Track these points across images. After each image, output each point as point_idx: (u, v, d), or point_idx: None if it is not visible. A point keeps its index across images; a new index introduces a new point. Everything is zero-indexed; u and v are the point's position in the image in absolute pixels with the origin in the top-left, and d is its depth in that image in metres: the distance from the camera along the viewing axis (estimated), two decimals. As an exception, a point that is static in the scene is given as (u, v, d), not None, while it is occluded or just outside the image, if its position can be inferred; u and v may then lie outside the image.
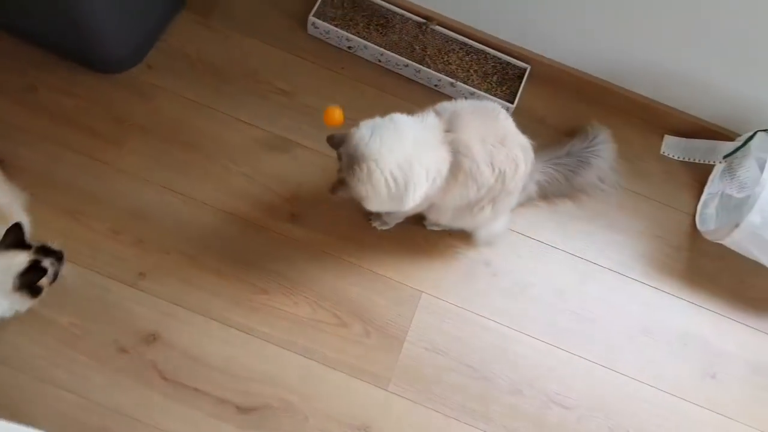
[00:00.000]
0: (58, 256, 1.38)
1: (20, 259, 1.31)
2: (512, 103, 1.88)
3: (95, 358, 1.53)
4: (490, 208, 1.57)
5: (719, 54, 1.70)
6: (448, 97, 1.90)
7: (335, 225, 1.74)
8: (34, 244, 1.38)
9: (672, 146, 1.96)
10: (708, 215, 1.87)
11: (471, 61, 1.94)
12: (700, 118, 1.93)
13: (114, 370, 1.52)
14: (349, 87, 1.91)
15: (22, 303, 1.36)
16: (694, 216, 1.89)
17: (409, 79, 1.94)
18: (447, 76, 1.90)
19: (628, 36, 1.76)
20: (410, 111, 1.64)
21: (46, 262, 1.35)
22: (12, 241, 1.33)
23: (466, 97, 1.90)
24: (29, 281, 1.33)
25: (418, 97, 1.91)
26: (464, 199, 1.51)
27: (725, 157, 1.85)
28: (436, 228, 1.74)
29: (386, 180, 1.40)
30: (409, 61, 1.89)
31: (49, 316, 1.55)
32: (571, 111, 1.97)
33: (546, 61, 1.94)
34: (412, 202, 1.45)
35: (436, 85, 1.93)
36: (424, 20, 1.95)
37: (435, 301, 1.70)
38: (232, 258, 1.67)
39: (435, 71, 1.90)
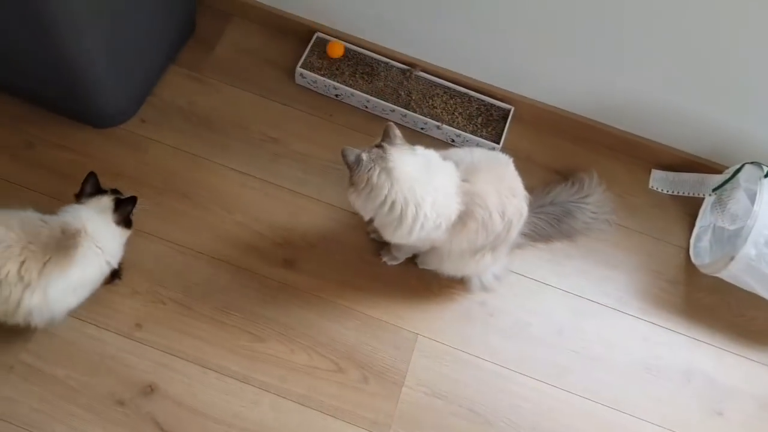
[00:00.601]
0: (132, 199, 1.55)
1: (106, 200, 1.52)
2: (498, 143, 1.91)
3: (93, 411, 1.50)
4: (491, 254, 1.60)
5: (702, 88, 1.74)
6: (435, 140, 1.95)
7: (329, 269, 1.74)
8: (107, 188, 1.57)
9: (660, 180, 1.98)
10: (702, 248, 1.88)
11: (455, 104, 1.98)
12: (686, 152, 1.96)
13: (112, 424, 1.50)
14: (338, 133, 1.94)
15: (123, 235, 1.54)
16: (687, 249, 1.89)
17: (396, 123, 1.97)
18: (433, 119, 1.93)
19: (609, 75, 1.81)
20: None
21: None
22: (91, 189, 1.53)
23: (452, 140, 1.94)
24: (125, 213, 1.53)
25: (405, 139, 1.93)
26: (471, 244, 1.54)
27: (714, 190, 1.87)
28: (428, 267, 1.74)
29: (395, 201, 1.42)
30: (395, 106, 1.93)
31: (45, 369, 1.53)
32: (556, 149, 2.00)
33: (529, 102, 1.97)
34: (413, 237, 1.47)
35: (422, 128, 1.96)
36: (408, 67, 1.99)
37: (431, 343, 1.69)
38: (228, 306, 1.66)
39: (421, 115, 1.93)
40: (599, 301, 1.80)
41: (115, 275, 1.62)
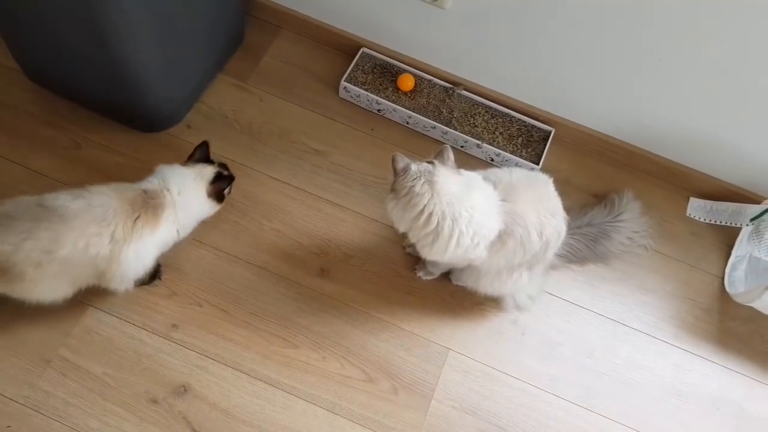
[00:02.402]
0: (231, 177, 1.64)
1: (208, 170, 1.59)
2: (537, 164, 1.93)
3: (127, 408, 1.54)
4: (527, 273, 1.61)
5: (743, 118, 1.74)
6: (474, 158, 1.97)
7: (364, 281, 1.76)
8: (216, 161, 1.65)
9: (697, 209, 1.98)
10: (737, 278, 1.87)
11: (496, 123, 2.00)
12: (725, 181, 1.95)
13: (145, 422, 1.53)
14: (379, 147, 1.97)
15: (209, 209, 1.62)
16: (722, 278, 1.88)
17: (437, 140, 2.00)
18: (473, 137, 1.95)
19: (651, 100, 1.81)
20: None
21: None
22: (200, 156, 1.62)
23: (492, 159, 1.96)
24: (220, 188, 1.60)
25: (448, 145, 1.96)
26: (509, 262, 1.55)
27: (752, 220, 1.86)
28: (463, 284, 1.75)
29: (432, 214, 1.43)
30: (437, 123, 1.95)
31: (83, 365, 1.57)
32: (595, 172, 2.01)
33: (570, 125, 1.99)
34: (448, 254, 1.48)
35: (462, 146, 1.98)
36: (451, 85, 2.02)
37: (462, 359, 1.70)
38: (263, 312, 1.69)
39: (461, 133, 1.95)
40: (632, 326, 1.80)
41: (154, 275, 1.66)
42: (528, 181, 1.59)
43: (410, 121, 1.99)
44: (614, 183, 1.98)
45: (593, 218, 1.85)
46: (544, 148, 1.96)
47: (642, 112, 1.86)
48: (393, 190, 1.49)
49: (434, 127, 1.97)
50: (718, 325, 1.82)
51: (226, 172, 1.63)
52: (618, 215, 1.85)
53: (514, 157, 1.93)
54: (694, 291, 1.86)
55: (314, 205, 1.86)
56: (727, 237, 1.94)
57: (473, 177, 1.52)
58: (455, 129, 1.96)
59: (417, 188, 1.44)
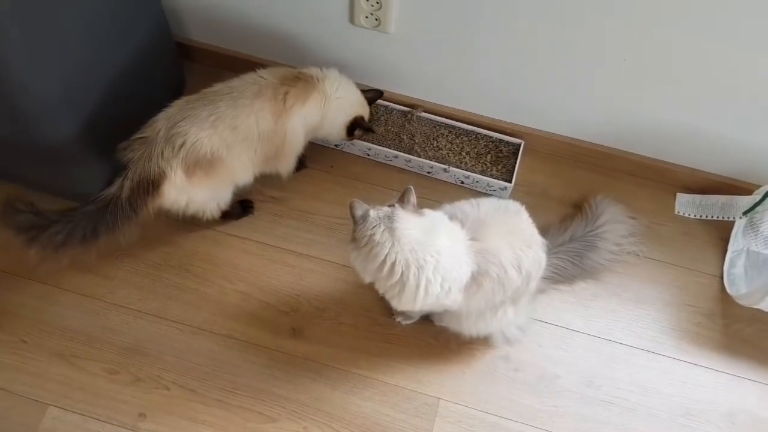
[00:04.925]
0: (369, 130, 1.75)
1: (361, 109, 1.71)
2: (510, 182, 1.80)
3: None
4: (512, 308, 1.50)
5: (724, 106, 1.61)
6: (443, 183, 1.84)
7: (339, 336, 1.65)
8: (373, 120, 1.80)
9: (686, 204, 1.85)
10: (736, 275, 1.74)
11: (462, 143, 1.87)
12: (712, 173, 1.83)
13: None
14: (341, 185, 1.85)
15: (338, 132, 1.71)
16: (721, 277, 1.76)
17: (401, 168, 1.88)
18: (438, 161, 1.83)
19: (620, 99, 1.69)
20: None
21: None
22: (372, 95, 1.78)
23: (462, 182, 1.84)
24: (353, 125, 1.69)
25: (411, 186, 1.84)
26: (489, 303, 1.45)
27: (745, 213, 1.73)
28: (445, 325, 1.63)
29: (394, 263, 1.32)
30: (398, 152, 1.83)
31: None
32: (573, 180, 1.88)
33: (540, 134, 1.86)
34: (419, 304, 1.37)
35: (429, 173, 1.86)
36: (408, 109, 1.89)
37: (454, 407, 1.58)
38: (234, 385, 1.57)
39: (425, 159, 1.83)
40: (631, 344, 1.68)
41: (302, 163, 1.79)
42: (497, 214, 1.46)
43: (371, 152, 1.87)
44: (595, 189, 1.85)
45: (574, 232, 1.73)
46: (515, 162, 1.83)
47: (612, 111, 1.73)
48: (353, 239, 1.37)
49: (396, 157, 1.84)
50: (722, 330, 1.70)
51: (366, 126, 1.70)
52: (596, 221, 1.73)
53: (484, 177, 1.81)
54: (692, 296, 1.74)
55: (278, 259, 1.74)
56: (721, 231, 1.82)
57: (438, 218, 1.40)
58: (418, 155, 1.84)
59: (377, 237, 1.33)
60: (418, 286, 1.34)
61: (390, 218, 1.33)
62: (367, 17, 1.66)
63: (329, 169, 1.88)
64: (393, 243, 1.32)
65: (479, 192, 1.85)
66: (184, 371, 1.58)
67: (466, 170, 1.82)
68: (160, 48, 1.80)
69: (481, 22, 1.58)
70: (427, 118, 1.89)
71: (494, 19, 1.56)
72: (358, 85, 1.71)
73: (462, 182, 1.85)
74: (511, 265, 1.40)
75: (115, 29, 1.56)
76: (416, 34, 1.69)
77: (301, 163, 1.82)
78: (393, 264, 1.33)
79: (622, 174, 1.89)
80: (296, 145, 1.63)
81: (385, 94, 1.89)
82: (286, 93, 1.53)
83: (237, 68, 1.91)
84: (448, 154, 1.85)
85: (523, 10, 1.51)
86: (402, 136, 1.87)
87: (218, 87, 1.54)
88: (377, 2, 1.61)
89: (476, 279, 1.39)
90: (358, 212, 1.34)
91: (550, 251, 1.67)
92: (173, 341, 1.62)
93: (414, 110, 1.89)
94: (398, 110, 1.90)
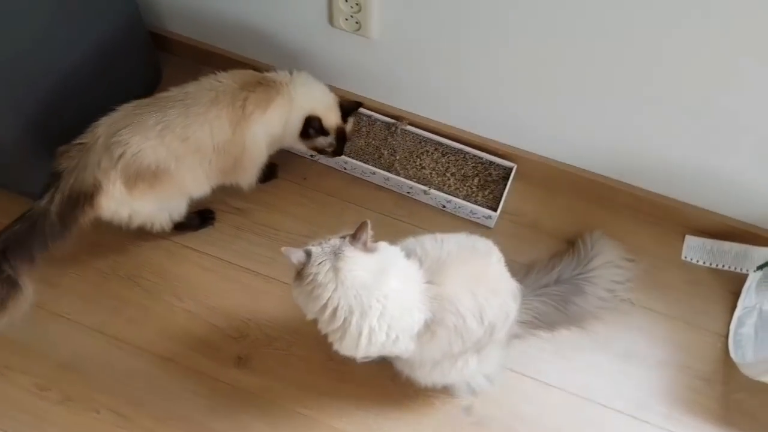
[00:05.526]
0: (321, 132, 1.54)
1: (324, 111, 1.51)
2: (495, 210, 1.62)
3: None
4: (476, 357, 1.34)
5: (746, 144, 1.40)
6: (423, 205, 1.67)
7: (289, 369, 1.51)
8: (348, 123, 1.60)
9: (695, 249, 1.64)
10: (744, 337, 1.53)
11: (448, 162, 1.69)
12: (728, 216, 1.61)
13: None
14: (312, 200, 1.70)
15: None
16: (727, 337, 1.55)
17: (379, 186, 1.71)
18: (420, 181, 1.66)
19: (627, 129, 1.49)
20: (379, 222, 1.54)
21: None
22: (349, 105, 1.58)
23: (443, 206, 1.66)
24: (305, 127, 1.50)
25: (388, 206, 1.69)
26: (446, 354, 1.29)
27: (760, 267, 1.52)
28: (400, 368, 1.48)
29: (336, 308, 1.18)
30: (376, 169, 1.66)
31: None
32: (569, 212, 1.69)
33: (535, 158, 1.67)
34: (360, 351, 1.23)
35: (408, 192, 1.69)
36: (393, 121, 1.72)
37: (405, 462, 1.43)
38: (169, 415, 1.45)
39: (405, 178, 1.66)
40: (613, 406, 1.49)
41: (271, 173, 1.68)
42: (462, 254, 1.29)
43: (347, 166, 1.71)
44: (593, 224, 1.66)
45: (562, 272, 1.54)
46: (504, 188, 1.65)
47: (619, 141, 1.53)
48: (298, 276, 1.23)
49: (374, 173, 1.68)
50: (721, 399, 1.50)
51: (316, 126, 1.49)
52: (589, 263, 1.54)
53: (468, 203, 1.63)
54: (691, 356, 1.54)
55: (233, 277, 1.60)
56: (732, 284, 1.61)
57: (391, 257, 1.24)
58: (398, 173, 1.67)
59: (320, 277, 1.18)
60: (360, 333, 1.20)
61: (337, 255, 1.18)
62: (346, 19, 1.50)
63: (302, 181, 1.73)
64: (336, 285, 1.17)
65: (462, 218, 1.67)
66: (118, 394, 1.47)
67: (449, 193, 1.65)
68: (129, 39, 1.68)
69: (472, 33, 1.40)
70: (412, 133, 1.72)
71: (485, 29, 1.38)
72: (340, 93, 1.55)
73: (444, 206, 1.67)
74: (471, 315, 1.24)
75: (69, 19, 1.44)
76: (401, 42, 1.51)
77: (272, 173, 1.69)
78: (335, 309, 1.19)
79: (624, 209, 1.69)
80: (258, 156, 1.49)
81: (368, 104, 1.73)
82: (246, 99, 1.39)
83: (215, 64, 1.79)
84: (430, 174, 1.68)
85: (518, 23, 1.33)
86: (383, 151, 1.70)
87: (173, 92, 1.41)
88: (356, 4, 1.45)
89: (430, 327, 1.24)
90: (293, 260, 1.19)
91: (533, 292, 1.51)
92: (112, 360, 1.51)
93: (399, 123, 1.72)
94: (382, 121, 1.74)
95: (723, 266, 1.62)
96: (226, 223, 1.67)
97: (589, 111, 1.48)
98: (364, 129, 1.73)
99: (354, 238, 1.20)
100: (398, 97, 1.69)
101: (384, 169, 1.67)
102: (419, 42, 1.49)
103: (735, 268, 1.60)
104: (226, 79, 1.42)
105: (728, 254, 1.60)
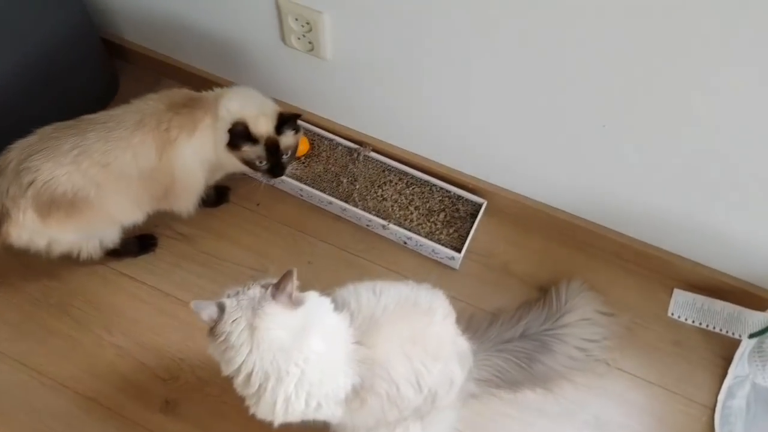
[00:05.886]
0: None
1: (253, 117, 1.32)
2: (459, 251, 1.46)
3: None
4: (419, 424, 1.20)
5: (742, 195, 1.22)
6: (384, 240, 1.53)
7: (219, 418, 1.37)
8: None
9: (684, 306, 1.46)
10: (734, 409, 1.35)
11: (412, 194, 1.54)
12: (721, 271, 1.43)
13: None
14: (264, 228, 1.57)
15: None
16: (713, 409, 1.37)
17: (338, 216, 1.57)
18: (379, 214, 1.51)
19: (620, 173, 1.32)
20: (334, 257, 1.49)
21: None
22: (285, 117, 1.35)
23: (405, 242, 1.51)
24: (231, 135, 1.33)
25: (345, 239, 1.55)
26: (380, 421, 1.15)
27: (753, 335, 1.34)
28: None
29: (251, 374, 1.05)
30: (333, 199, 1.52)
31: None
32: (543, 256, 1.53)
33: (508, 195, 1.51)
34: (278, 418, 1.09)
35: (368, 225, 1.54)
36: (356, 146, 1.58)
37: None
38: (84, 463, 1.33)
39: (364, 209, 1.51)
40: (577, 483, 1.32)
41: (221, 198, 1.57)
42: (400, 311, 1.14)
43: (303, 193, 1.57)
44: (570, 271, 1.49)
45: (529, 326, 1.39)
46: (472, 226, 1.49)
47: (602, 183, 1.36)
48: (212, 333, 1.09)
49: (331, 203, 1.54)
50: (702, 483, 1.32)
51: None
52: (560, 318, 1.38)
53: (429, 242, 1.47)
54: (671, 429, 1.36)
55: (170, 311, 1.48)
56: (722, 347, 1.43)
57: (317, 311, 1.10)
58: (356, 204, 1.53)
59: (233, 338, 1.04)
60: (275, 401, 1.06)
61: (254, 311, 1.05)
62: (299, 39, 1.37)
63: (255, 207, 1.60)
64: (251, 348, 1.04)
65: (425, 257, 1.52)
66: (33, 434, 1.36)
67: (410, 229, 1.50)
68: (78, 47, 1.57)
69: (431, 56, 1.25)
70: (376, 160, 1.57)
71: (446, 52, 1.23)
72: (300, 113, 1.41)
73: (405, 242, 1.52)
74: (406, 382, 1.10)
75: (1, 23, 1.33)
76: (356, 64, 1.37)
77: (222, 197, 1.56)
78: (249, 374, 1.05)
79: (606, 256, 1.51)
80: (192, 183, 1.36)
81: (330, 126, 1.59)
82: (170, 121, 1.26)
83: (176, 77, 1.68)
84: (392, 206, 1.53)
85: (483, 46, 1.17)
86: (342, 179, 1.56)
87: (97, 115, 1.30)
88: (307, 23, 1.31)
89: (359, 394, 1.10)
90: (203, 317, 1.06)
91: (494, 347, 1.36)
92: (31, 395, 1.39)
93: (362, 148, 1.58)
94: (344, 146, 1.59)
95: (713, 327, 1.43)
96: (169, 250, 1.54)
97: (570, 146, 1.31)
98: (324, 153, 1.59)
99: (277, 289, 1.06)
100: (361, 121, 1.55)
101: (342, 199, 1.53)
102: (375, 64, 1.34)
103: (726, 332, 1.41)
104: (155, 100, 1.30)
105: (719, 315, 1.42)
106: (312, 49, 1.37)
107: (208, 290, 1.49)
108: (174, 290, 1.50)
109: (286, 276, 1.06)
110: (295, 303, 1.07)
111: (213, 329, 1.08)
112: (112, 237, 1.40)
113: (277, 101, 1.48)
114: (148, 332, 1.45)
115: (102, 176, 1.24)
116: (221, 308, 1.06)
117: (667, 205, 1.32)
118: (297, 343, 1.05)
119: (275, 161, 1.35)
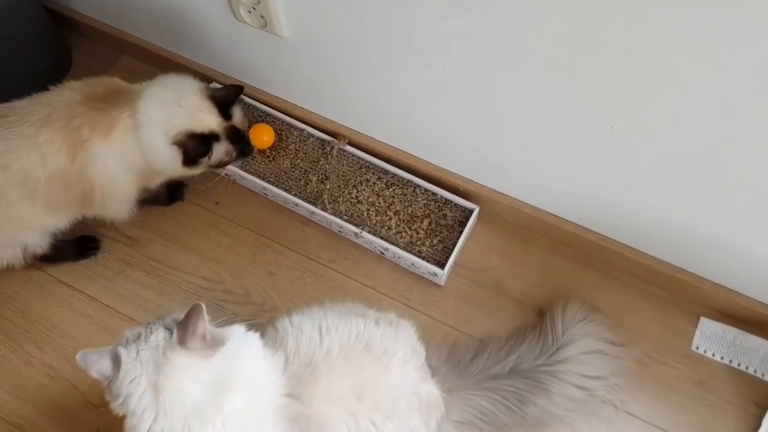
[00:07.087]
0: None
1: (194, 108, 1.10)
2: (443, 266, 1.24)
3: None
4: None
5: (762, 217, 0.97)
6: (359, 248, 1.32)
7: (154, 454, 1.19)
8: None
9: (711, 338, 1.22)
10: (767, 470, 1.11)
11: (392, 196, 1.32)
12: (758, 300, 1.17)
13: None
14: (221, 231, 1.37)
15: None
16: (742, 466, 1.14)
17: (307, 219, 1.36)
18: (352, 220, 1.30)
19: (619, 184, 1.07)
20: (302, 268, 1.31)
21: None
22: (225, 95, 1.14)
23: (381, 252, 1.29)
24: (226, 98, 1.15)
25: (313, 246, 1.34)
26: None
27: (793, 382, 1.09)
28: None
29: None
30: (300, 201, 1.31)
31: None
32: (544, 273, 1.30)
33: (504, 200, 1.28)
34: None
35: (339, 231, 1.33)
36: (330, 138, 1.36)
37: None
38: (-1, 502, 1.17)
39: (334, 213, 1.30)
40: None
41: (174, 197, 1.37)
42: (348, 356, 0.94)
43: (267, 192, 1.36)
44: (574, 290, 1.26)
45: (520, 360, 1.16)
46: (460, 235, 1.27)
47: (613, 192, 1.12)
48: (109, 393, 0.89)
49: (297, 205, 1.32)
50: None
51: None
52: (557, 351, 1.16)
53: (409, 255, 1.25)
54: (690, 489, 1.14)
55: (109, 326, 1.29)
56: (755, 392, 1.18)
57: (240, 355, 0.90)
58: (325, 208, 1.31)
59: (134, 402, 0.85)
60: None
61: (158, 366, 0.84)
62: (249, 12, 1.15)
63: (213, 207, 1.40)
64: (156, 415, 0.85)
65: (404, 269, 1.30)
66: (-55, 465, 1.19)
67: (387, 238, 1.28)
68: (20, 18, 1.38)
69: (402, 32, 1.02)
70: (352, 155, 1.35)
71: (418, 28, 0.99)
72: (261, 96, 1.20)
73: (382, 253, 1.31)
74: None
75: None
76: (319, 43, 1.15)
77: (176, 194, 1.37)
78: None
79: (619, 274, 1.27)
80: (117, 189, 1.16)
81: (299, 114, 1.37)
82: (82, 118, 1.06)
83: (131, 53, 1.48)
84: (368, 210, 1.31)
85: (464, 17, 0.93)
86: (311, 177, 1.34)
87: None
88: (256, -7, 1.09)
89: None
90: (94, 373, 0.86)
91: (478, 384, 1.15)
92: (-52, 417, 1.23)
93: (336, 141, 1.35)
94: (316, 138, 1.37)
95: (746, 367, 1.19)
96: (113, 255, 1.35)
97: (579, 140, 1.06)
98: (292, 146, 1.37)
99: (185, 332, 0.85)
100: (333, 109, 1.33)
101: (310, 201, 1.31)
102: (339, 43, 1.12)
103: (763, 374, 1.17)
104: (73, 89, 1.10)
105: (755, 353, 1.18)
106: (265, 25, 1.15)
107: (154, 303, 1.31)
108: (115, 302, 1.31)
109: (192, 313, 0.86)
110: (211, 345, 0.86)
111: (109, 386, 0.88)
112: (37, 242, 1.22)
113: (243, 84, 1.28)
114: (82, 350, 1.27)
115: (1, 180, 1.05)
116: (116, 361, 0.86)
117: (696, 220, 1.07)
118: (214, 401, 0.85)
119: (243, 143, 1.17)
